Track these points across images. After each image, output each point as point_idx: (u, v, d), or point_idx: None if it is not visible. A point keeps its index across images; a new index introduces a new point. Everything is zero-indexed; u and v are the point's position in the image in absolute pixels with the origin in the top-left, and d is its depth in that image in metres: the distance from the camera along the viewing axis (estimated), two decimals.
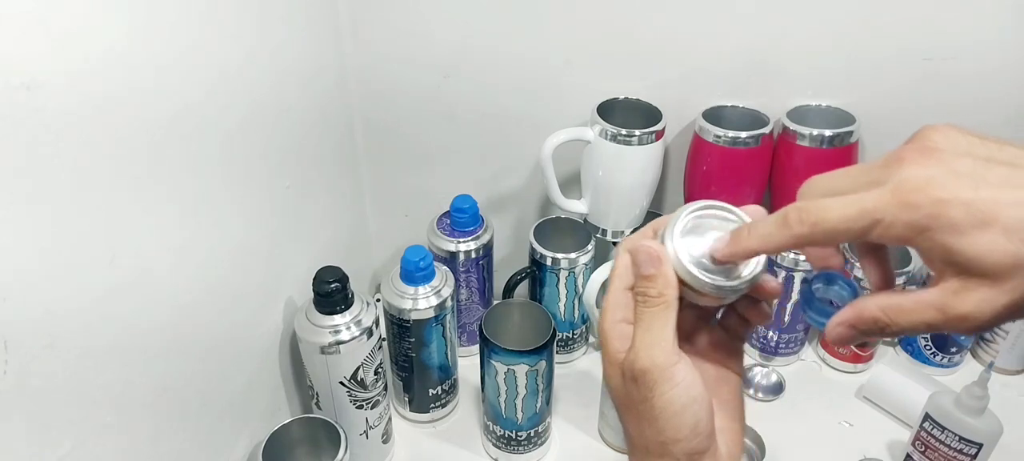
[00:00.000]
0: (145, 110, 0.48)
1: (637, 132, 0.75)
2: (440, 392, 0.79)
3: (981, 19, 0.72)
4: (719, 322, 0.43)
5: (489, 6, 0.77)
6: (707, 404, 0.36)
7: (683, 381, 0.35)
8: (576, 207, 0.83)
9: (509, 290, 0.83)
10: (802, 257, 0.81)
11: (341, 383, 0.67)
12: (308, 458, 0.66)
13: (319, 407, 0.70)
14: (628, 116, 0.78)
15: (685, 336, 0.38)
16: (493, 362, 0.69)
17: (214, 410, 0.61)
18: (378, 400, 0.71)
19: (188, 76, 0.52)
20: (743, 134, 0.74)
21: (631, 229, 0.83)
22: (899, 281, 0.81)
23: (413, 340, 0.73)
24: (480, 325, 0.70)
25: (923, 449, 0.72)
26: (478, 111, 0.84)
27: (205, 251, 0.57)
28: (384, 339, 0.75)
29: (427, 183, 0.90)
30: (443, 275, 0.74)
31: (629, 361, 0.36)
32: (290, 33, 0.68)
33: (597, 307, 0.74)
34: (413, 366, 0.76)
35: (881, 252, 0.37)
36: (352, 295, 0.66)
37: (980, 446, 0.67)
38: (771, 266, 0.82)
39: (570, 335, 0.87)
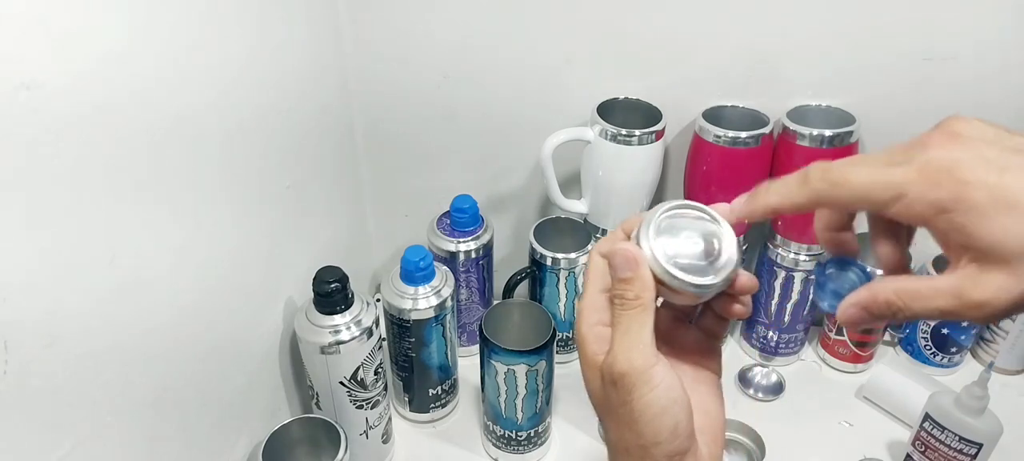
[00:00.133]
0: (145, 110, 0.48)
1: (637, 132, 0.75)
2: (440, 392, 0.79)
3: (981, 19, 0.72)
4: (696, 323, 0.43)
5: (489, 6, 0.77)
6: (686, 405, 0.36)
7: (662, 383, 0.35)
8: (576, 207, 0.83)
9: (509, 290, 0.83)
10: (802, 257, 0.81)
11: (341, 383, 0.67)
12: (308, 458, 0.66)
13: (319, 407, 0.70)
14: (628, 116, 0.78)
15: (662, 337, 0.38)
16: (493, 362, 0.69)
17: (214, 410, 0.61)
18: (378, 400, 0.71)
19: (188, 76, 0.52)
20: (743, 134, 0.74)
21: None
22: None
23: (413, 340, 0.73)
24: (480, 325, 0.70)
25: (923, 449, 0.72)
26: (478, 111, 0.84)
27: (205, 251, 0.57)
28: (384, 339, 0.75)
29: (427, 183, 0.90)
30: (443, 275, 0.74)
31: (607, 364, 0.36)
32: (290, 33, 0.68)
33: None
34: (413, 366, 0.76)
35: (898, 234, 0.37)
36: (352, 295, 0.66)
37: (980, 446, 0.67)
38: (771, 266, 0.83)
39: (570, 335, 0.87)
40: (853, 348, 0.86)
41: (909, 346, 0.89)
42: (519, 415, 0.72)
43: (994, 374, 0.68)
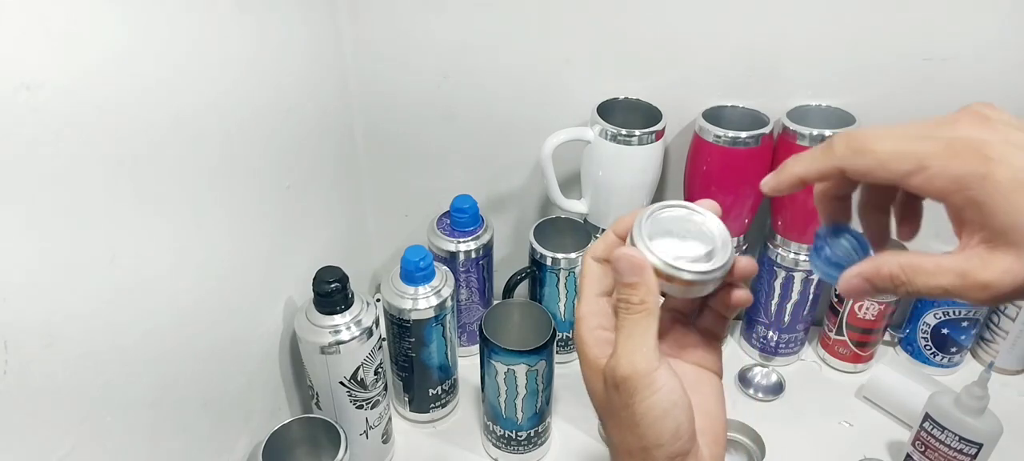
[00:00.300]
0: (145, 110, 0.48)
1: (637, 132, 0.75)
2: (440, 392, 0.79)
3: (981, 19, 0.72)
4: (696, 323, 0.43)
5: (489, 6, 0.77)
6: (688, 408, 0.36)
7: (664, 386, 0.36)
8: (576, 207, 0.83)
9: (509, 290, 0.83)
10: (802, 257, 0.81)
11: (341, 383, 0.67)
12: (308, 458, 0.66)
13: (319, 407, 0.70)
14: (628, 116, 0.78)
15: (663, 339, 0.38)
16: (493, 362, 0.69)
17: (214, 410, 0.61)
18: (378, 400, 0.71)
19: (188, 76, 0.52)
20: (743, 134, 0.74)
21: None
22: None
23: (413, 340, 0.73)
24: (480, 325, 0.70)
25: (923, 449, 0.72)
26: (478, 111, 0.84)
27: (205, 251, 0.57)
28: (384, 339, 0.75)
29: (427, 183, 0.90)
30: (443, 275, 0.74)
31: (610, 368, 0.37)
32: (290, 33, 0.68)
33: None
34: (413, 366, 0.76)
35: (888, 209, 0.38)
36: (352, 295, 0.66)
37: (980, 446, 0.67)
38: (771, 266, 0.83)
39: (570, 335, 0.87)
40: (853, 348, 0.86)
41: (909, 346, 0.89)
42: (519, 415, 0.72)
43: (994, 374, 0.68)
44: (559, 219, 0.85)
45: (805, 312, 0.85)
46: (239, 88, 0.59)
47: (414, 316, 0.71)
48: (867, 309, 0.83)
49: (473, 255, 0.81)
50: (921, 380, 0.80)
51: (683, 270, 0.37)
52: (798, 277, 0.82)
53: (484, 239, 0.81)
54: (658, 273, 0.37)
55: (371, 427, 0.72)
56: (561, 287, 0.82)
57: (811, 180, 0.36)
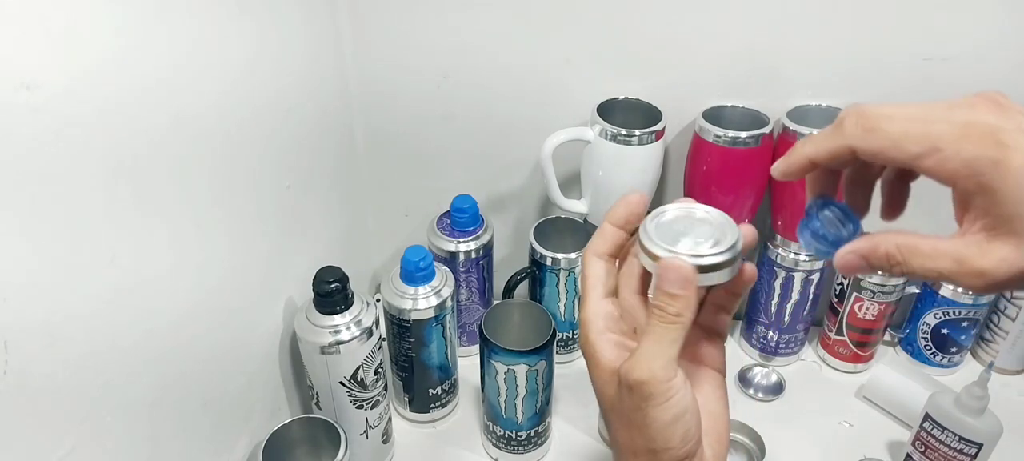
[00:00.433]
0: (146, 110, 0.48)
1: (637, 132, 0.75)
2: (440, 392, 0.79)
3: (981, 19, 0.72)
4: (697, 321, 0.43)
5: (489, 7, 0.77)
6: (696, 413, 0.37)
7: (678, 393, 0.36)
8: (576, 207, 0.83)
9: (509, 290, 0.83)
10: (803, 257, 0.81)
11: (341, 383, 0.67)
12: (308, 458, 0.67)
13: (319, 407, 0.70)
14: (628, 116, 0.78)
15: None
16: (493, 362, 0.69)
17: (214, 410, 0.61)
18: (378, 400, 0.71)
19: (189, 77, 0.52)
20: (743, 134, 0.74)
21: None
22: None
23: (413, 340, 0.73)
24: (480, 325, 0.70)
25: (923, 449, 0.72)
26: (478, 111, 0.84)
27: (205, 251, 0.57)
28: (384, 339, 0.75)
29: (427, 183, 0.90)
30: (443, 275, 0.74)
31: (627, 369, 0.36)
32: (290, 33, 0.68)
33: None
34: (413, 366, 0.76)
35: (872, 185, 0.38)
36: (352, 295, 0.66)
37: (980, 446, 0.67)
38: (771, 266, 0.83)
39: (570, 335, 0.87)
40: (853, 348, 0.86)
41: (909, 346, 0.89)
42: (519, 415, 0.72)
43: (994, 374, 0.68)
44: (559, 219, 0.85)
45: (805, 312, 0.85)
46: (239, 88, 0.59)
47: (414, 316, 0.71)
48: (867, 309, 0.83)
49: (473, 255, 0.81)
50: (921, 380, 0.80)
51: (721, 257, 0.36)
52: (798, 277, 0.82)
53: (484, 239, 0.81)
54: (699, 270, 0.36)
55: (371, 427, 0.72)
56: (561, 287, 0.82)
57: (821, 161, 0.36)
